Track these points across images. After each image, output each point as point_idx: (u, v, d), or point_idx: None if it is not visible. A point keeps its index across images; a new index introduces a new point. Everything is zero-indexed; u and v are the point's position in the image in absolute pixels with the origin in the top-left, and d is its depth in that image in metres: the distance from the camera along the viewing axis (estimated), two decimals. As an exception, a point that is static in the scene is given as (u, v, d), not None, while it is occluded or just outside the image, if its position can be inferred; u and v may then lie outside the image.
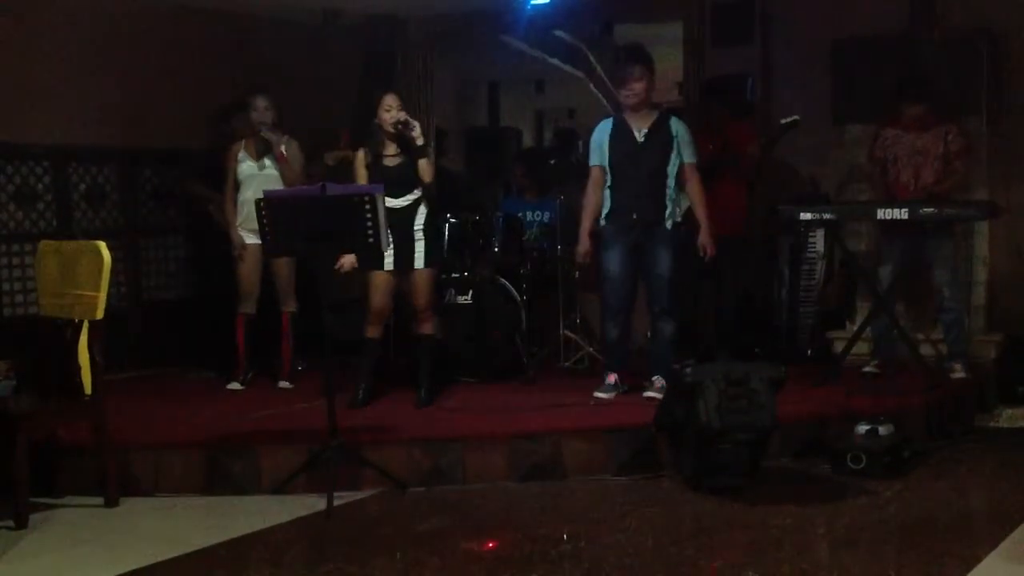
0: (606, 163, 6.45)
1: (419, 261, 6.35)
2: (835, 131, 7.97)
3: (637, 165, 6.35)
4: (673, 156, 6.33)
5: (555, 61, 10.15)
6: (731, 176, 7.38)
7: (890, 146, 7.11)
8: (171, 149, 8.01)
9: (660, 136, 6.35)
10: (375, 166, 6.36)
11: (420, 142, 6.27)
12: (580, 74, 10.25)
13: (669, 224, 6.35)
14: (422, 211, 6.39)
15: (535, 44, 9.75)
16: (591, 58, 9.97)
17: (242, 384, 7.06)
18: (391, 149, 6.38)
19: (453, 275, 7.30)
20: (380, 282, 6.38)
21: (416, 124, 6.25)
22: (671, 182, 6.34)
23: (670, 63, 8.62)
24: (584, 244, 6.56)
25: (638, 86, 6.34)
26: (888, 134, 7.12)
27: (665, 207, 6.32)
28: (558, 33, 9.68)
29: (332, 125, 8.50)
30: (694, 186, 6.39)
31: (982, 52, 7.56)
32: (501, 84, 12.56)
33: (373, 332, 6.45)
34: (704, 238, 6.39)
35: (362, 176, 6.37)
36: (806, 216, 6.93)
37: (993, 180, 7.56)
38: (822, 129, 7.84)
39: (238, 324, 7.04)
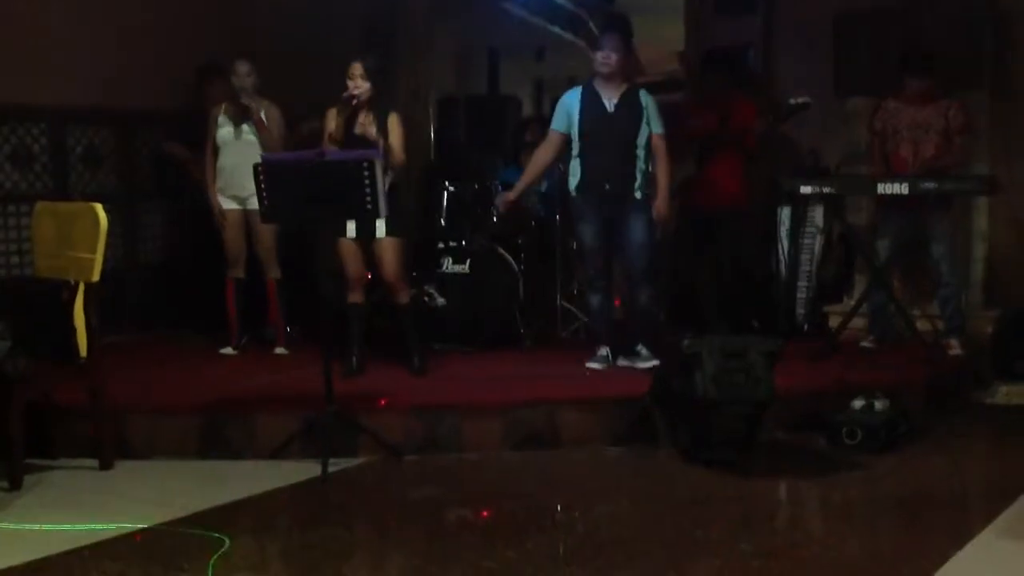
0: (573, 131, 6.41)
1: (380, 230, 6.25)
2: (836, 103, 7.93)
3: (607, 134, 6.32)
4: (643, 126, 6.30)
5: (556, 29, 10.09)
6: (732, 149, 7.35)
7: (890, 118, 7.07)
8: (169, 112, 7.95)
9: (630, 106, 6.32)
10: (346, 130, 6.27)
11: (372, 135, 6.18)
12: (581, 42, 10.20)
13: (639, 195, 6.32)
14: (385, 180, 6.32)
15: (536, 11, 9.69)
16: (592, 26, 9.91)
17: (235, 349, 7.05)
18: (360, 116, 6.29)
19: (451, 244, 7.26)
20: (348, 250, 6.32)
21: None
22: (641, 152, 6.30)
23: (671, 32, 8.58)
24: (509, 196, 6.77)
25: (614, 56, 6.32)
26: (889, 106, 7.08)
27: (635, 178, 6.28)
28: (559, 0, 9.62)
29: (332, 92, 8.43)
30: (661, 156, 6.35)
31: (985, 25, 7.53)
32: (501, 52, 12.48)
33: (355, 298, 6.42)
34: (660, 206, 6.33)
35: (325, 136, 6.26)
36: (806, 189, 6.91)
37: (994, 155, 7.53)
38: (823, 101, 7.79)
39: (228, 289, 7.01)
